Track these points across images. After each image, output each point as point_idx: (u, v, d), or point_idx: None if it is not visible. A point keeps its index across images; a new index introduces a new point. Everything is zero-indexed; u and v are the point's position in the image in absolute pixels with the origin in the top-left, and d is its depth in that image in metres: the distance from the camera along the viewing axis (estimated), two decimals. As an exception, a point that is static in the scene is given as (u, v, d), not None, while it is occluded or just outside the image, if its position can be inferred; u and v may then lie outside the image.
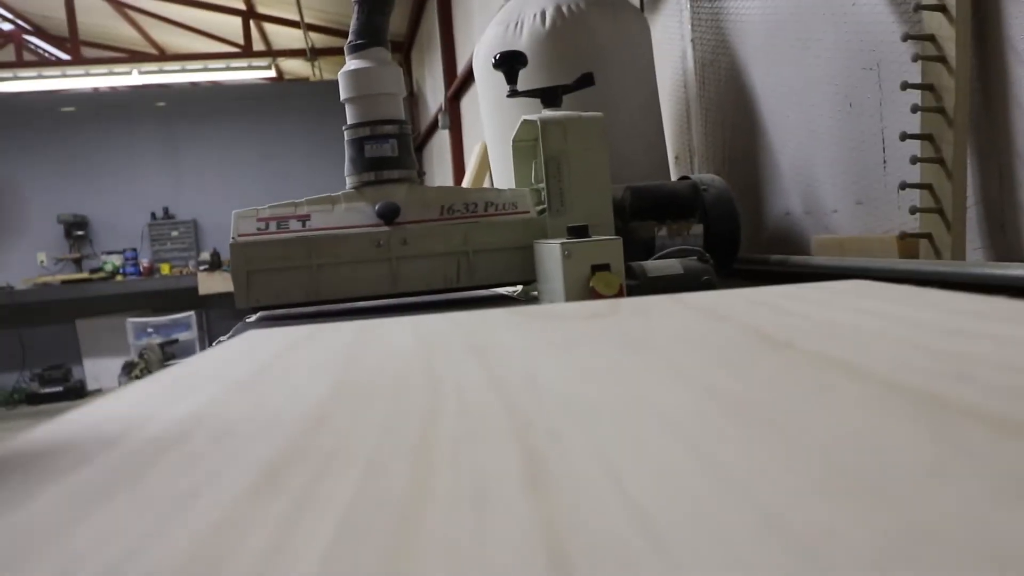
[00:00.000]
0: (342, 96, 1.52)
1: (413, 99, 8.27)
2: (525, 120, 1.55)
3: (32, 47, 9.17)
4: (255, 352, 0.30)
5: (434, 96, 6.75)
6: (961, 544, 0.08)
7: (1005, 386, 0.15)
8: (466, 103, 5.49)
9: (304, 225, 1.45)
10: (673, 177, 2.02)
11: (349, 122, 1.53)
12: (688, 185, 1.59)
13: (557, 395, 0.18)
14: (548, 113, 1.51)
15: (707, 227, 1.53)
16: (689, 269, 1.28)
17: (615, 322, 0.28)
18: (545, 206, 1.52)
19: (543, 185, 1.52)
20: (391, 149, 1.50)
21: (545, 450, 0.14)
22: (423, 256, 1.47)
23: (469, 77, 5.03)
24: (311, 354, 0.29)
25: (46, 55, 9.13)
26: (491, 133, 1.95)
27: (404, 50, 8.15)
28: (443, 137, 6.31)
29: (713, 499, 0.11)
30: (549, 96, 1.58)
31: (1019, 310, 0.23)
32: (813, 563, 0.08)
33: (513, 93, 1.60)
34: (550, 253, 1.29)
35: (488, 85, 1.92)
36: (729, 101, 1.94)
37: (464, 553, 0.10)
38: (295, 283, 1.42)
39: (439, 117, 6.06)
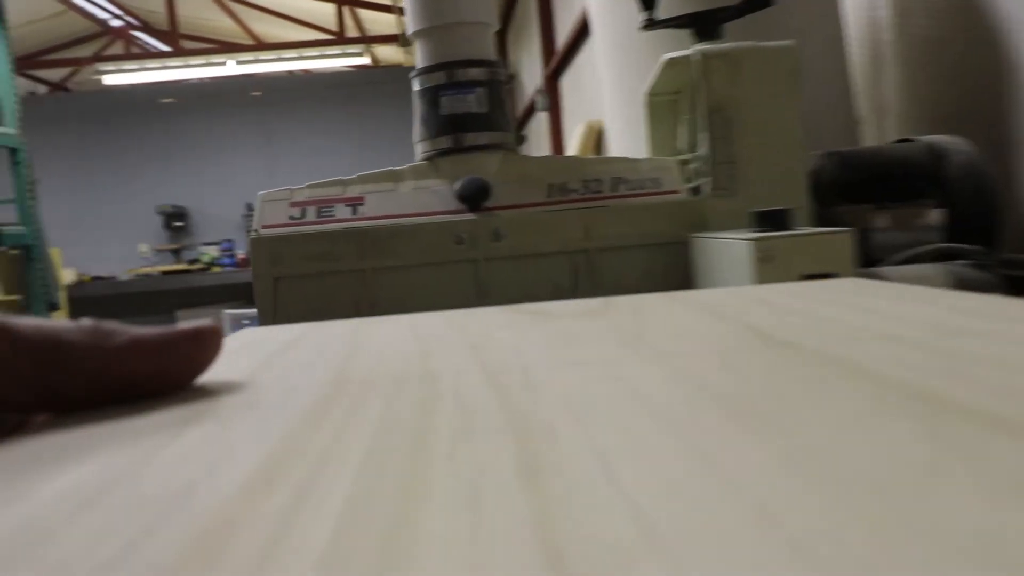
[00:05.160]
0: (408, 29, 1.07)
1: (510, 83, 7.88)
2: (669, 60, 1.06)
3: (140, 43, 9.37)
4: (249, 351, 0.29)
5: (531, 79, 6.31)
6: (958, 543, 0.08)
7: (1003, 385, 0.15)
8: (567, 81, 5.01)
9: (355, 212, 1.02)
10: (864, 144, 1.48)
11: (419, 65, 1.09)
12: (921, 149, 1.06)
13: (553, 392, 0.17)
14: (707, 46, 1.03)
15: (952, 212, 1.00)
16: (964, 280, 0.77)
17: (611, 320, 0.28)
18: (701, 182, 1.03)
19: (699, 152, 1.03)
20: (477, 102, 1.04)
21: (541, 447, 0.13)
22: (524, 256, 1.02)
23: (570, 51, 4.53)
24: (305, 353, 0.28)
25: (150, 49, 9.29)
26: (612, 91, 1.47)
27: (499, 34, 7.75)
28: (539, 122, 5.85)
29: (710, 496, 0.10)
30: (704, 24, 1.09)
31: (1017, 309, 0.23)
32: (809, 561, 0.08)
33: (650, 24, 1.12)
34: (727, 254, 0.81)
35: (608, 24, 1.45)
36: (952, 38, 1.38)
37: (459, 549, 0.09)
38: (341, 294, 0.99)
39: (536, 98, 5.59)
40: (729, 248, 0.79)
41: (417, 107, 1.08)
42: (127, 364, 0.20)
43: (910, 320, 0.23)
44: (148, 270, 7.74)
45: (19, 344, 0.18)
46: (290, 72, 8.85)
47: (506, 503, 0.11)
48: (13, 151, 3.78)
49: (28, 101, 7.02)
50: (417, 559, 0.09)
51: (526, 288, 1.00)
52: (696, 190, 1.04)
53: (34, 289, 4.01)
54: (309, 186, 1.03)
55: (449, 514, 0.10)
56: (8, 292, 5.40)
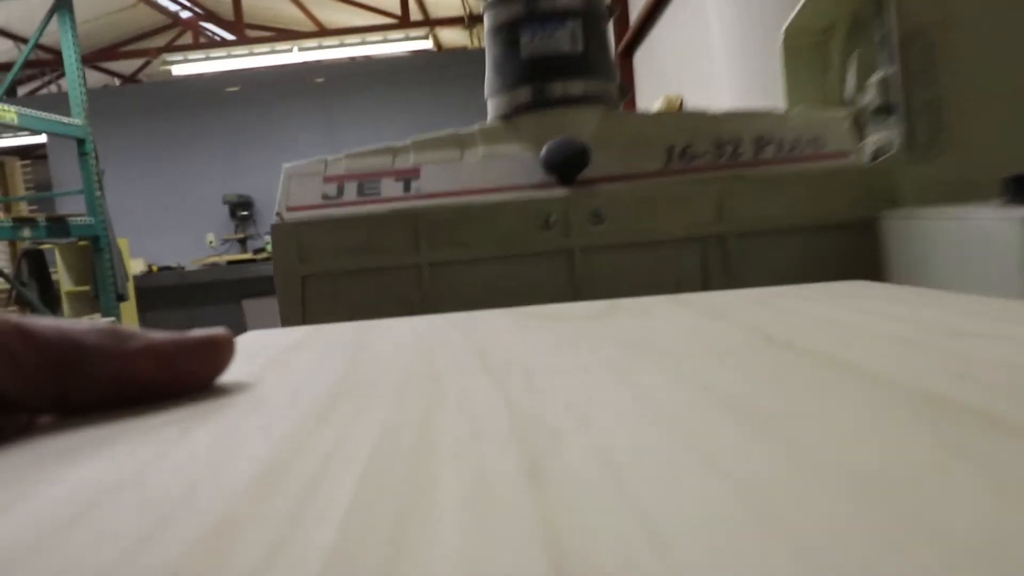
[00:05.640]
0: (480, -56, 0.81)
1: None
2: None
3: (208, 33, 9.44)
4: (251, 355, 0.29)
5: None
6: (964, 544, 0.08)
7: (1006, 386, 0.15)
8: (641, 56, 4.66)
9: (408, 188, 0.77)
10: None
11: (492, -5, 0.82)
12: None
13: (557, 394, 0.18)
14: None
15: None
16: None
17: (615, 322, 0.29)
18: (874, 140, 0.74)
19: (868, 100, 0.74)
20: (570, 39, 0.78)
21: (546, 449, 0.13)
22: (633, 245, 0.75)
23: (644, 25, 4.19)
24: (309, 355, 0.28)
25: (216, 39, 9.36)
26: (726, 37, 1.18)
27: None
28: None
29: (714, 499, 0.10)
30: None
31: (1020, 311, 0.23)
32: (814, 564, 0.08)
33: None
34: (972, 238, 0.53)
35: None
36: None
37: (464, 552, 0.09)
38: (388, 297, 0.75)
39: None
40: (979, 230, 0.51)
41: (490, 50, 0.82)
42: (142, 370, 0.20)
43: (912, 321, 0.23)
44: (215, 259, 7.78)
45: (36, 344, 0.19)
46: (351, 58, 8.78)
47: (511, 505, 0.11)
48: (80, 142, 3.76)
49: (96, 93, 7.10)
50: (422, 561, 0.09)
51: (637, 289, 0.73)
52: (875, 154, 0.75)
53: (103, 279, 3.99)
54: (348, 156, 0.79)
55: (454, 516, 0.10)
56: (77, 283, 5.44)
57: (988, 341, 0.19)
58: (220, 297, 7.40)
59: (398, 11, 8.06)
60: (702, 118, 0.78)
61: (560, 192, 0.75)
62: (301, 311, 0.73)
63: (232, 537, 0.10)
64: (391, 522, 0.10)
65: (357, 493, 0.12)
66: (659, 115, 0.79)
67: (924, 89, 0.68)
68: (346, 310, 0.74)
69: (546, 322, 0.30)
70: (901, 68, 0.69)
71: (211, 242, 7.89)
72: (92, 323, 0.20)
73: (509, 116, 0.80)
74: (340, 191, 0.76)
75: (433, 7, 8.44)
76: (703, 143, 0.76)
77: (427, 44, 8.07)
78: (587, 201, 0.74)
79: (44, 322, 0.19)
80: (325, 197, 0.76)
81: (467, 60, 7.51)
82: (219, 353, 0.22)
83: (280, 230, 0.74)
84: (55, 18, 3.60)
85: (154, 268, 6.96)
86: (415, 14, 8.33)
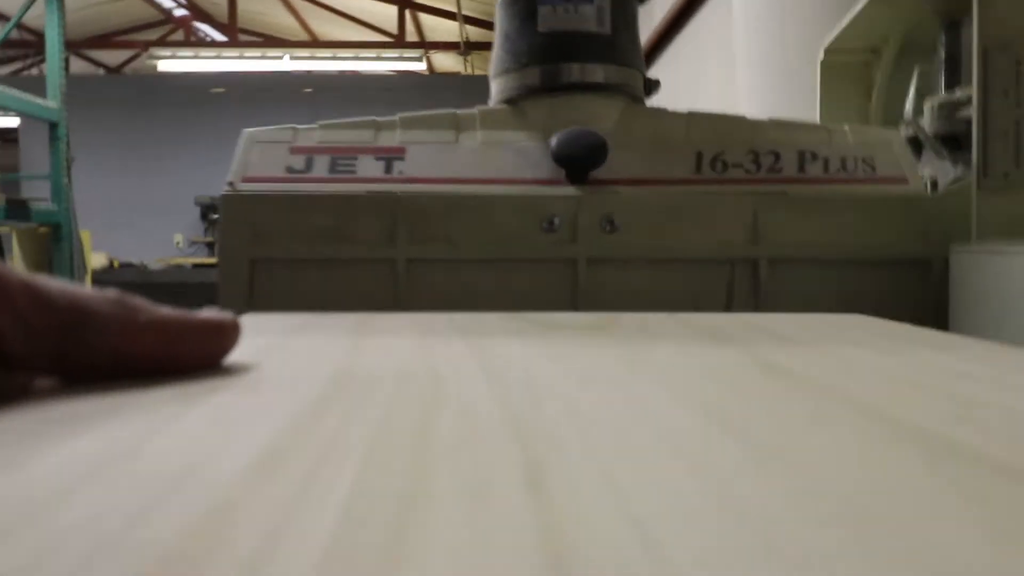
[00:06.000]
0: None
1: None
2: (888, -15, 0.69)
3: (201, 33, 9.34)
4: (252, 337, 0.27)
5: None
6: None
7: (1006, 430, 0.15)
8: (663, 64, 4.48)
9: (390, 169, 0.65)
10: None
11: (509, -44, 0.71)
12: None
13: (556, 403, 0.18)
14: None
15: None
16: None
17: (615, 335, 0.29)
18: (932, 172, 0.64)
19: (925, 119, 0.64)
20: (596, 17, 0.67)
21: (544, 458, 0.13)
22: (649, 261, 0.64)
23: (671, 28, 4.03)
24: (310, 340, 0.28)
25: (208, 40, 9.27)
26: (752, 52, 1.09)
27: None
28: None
29: (710, 511, 0.11)
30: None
31: (1018, 357, 0.24)
32: None
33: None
34: None
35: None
36: None
37: (461, 559, 0.09)
38: (355, 295, 0.62)
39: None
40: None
41: (501, 23, 0.71)
42: (147, 343, 0.20)
43: (912, 359, 0.23)
44: (180, 261, 7.57)
45: (42, 305, 0.18)
46: (341, 72, 8.73)
47: (509, 512, 0.10)
48: (53, 125, 3.61)
49: (77, 79, 6.91)
50: (418, 567, 0.09)
51: (648, 305, 0.61)
52: (931, 185, 0.65)
53: (60, 270, 3.81)
54: (323, 125, 0.67)
55: (452, 523, 0.10)
56: (33, 270, 5.22)
57: (987, 383, 0.19)
58: (182, 300, 7.16)
59: (394, 29, 8.06)
60: (740, 123, 0.67)
61: (569, 191, 0.64)
62: (246, 300, 0.60)
63: (228, 520, 0.10)
64: (386, 528, 0.10)
65: (351, 494, 0.11)
66: (691, 114, 0.68)
67: (1007, 110, 0.58)
68: (301, 305, 0.61)
69: (545, 330, 0.30)
70: (980, 86, 0.59)
71: (178, 243, 7.68)
72: (101, 291, 0.20)
73: (515, 100, 0.69)
74: (309, 165, 0.64)
75: (430, 31, 8.46)
76: (739, 151, 0.66)
77: (420, 66, 8.05)
78: (600, 204, 0.63)
79: (53, 283, 0.19)
80: (290, 170, 0.64)
81: (460, 85, 7.48)
82: (224, 337, 0.21)
83: (231, 202, 0.61)
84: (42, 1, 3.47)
85: (115, 263, 6.73)
86: (411, 35, 8.34)
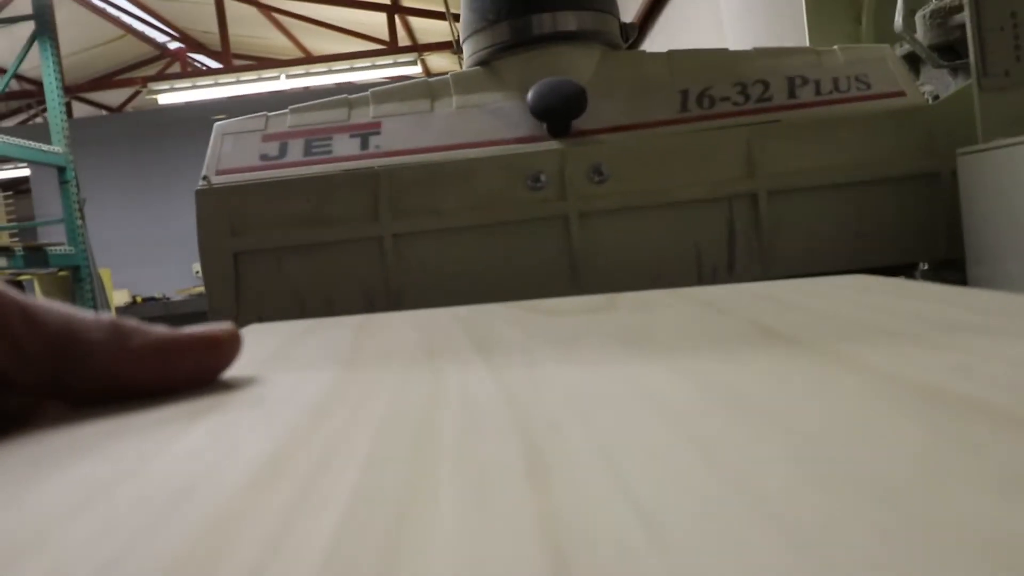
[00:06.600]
0: None
1: None
2: None
3: (196, 64, 9.42)
4: (252, 348, 0.28)
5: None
6: (961, 538, 0.08)
7: (1006, 380, 0.15)
8: (655, 34, 4.38)
9: (367, 146, 0.63)
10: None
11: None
12: None
13: (558, 388, 0.18)
14: None
15: None
16: None
17: (616, 316, 0.29)
18: (925, 85, 0.61)
19: (922, 37, 0.61)
20: None
21: (545, 443, 0.13)
22: (643, 208, 0.61)
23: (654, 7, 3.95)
24: (311, 350, 0.28)
25: (204, 68, 9.35)
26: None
27: None
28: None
29: (713, 492, 0.10)
30: None
31: (1020, 304, 0.23)
32: (814, 561, 0.08)
33: None
34: None
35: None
36: None
37: (463, 547, 0.09)
38: (343, 278, 0.60)
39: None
40: None
41: (463, -16, 0.69)
42: (143, 367, 0.20)
43: (912, 315, 0.23)
44: (200, 290, 7.64)
45: (38, 330, 0.18)
46: (338, 85, 8.76)
47: (511, 501, 0.11)
48: (61, 170, 3.65)
49: (80, 122, 6.99)
50: (421, 556, 0.09)
51: (649, 262, 0.59)
52: (936, 100, 0.62)
53: (84, 311, 3.84)
54: (294, 109, 0.65)
55: (453, 510, 0.10)
56: (58, 314, 5.30)
57: (986, 335, 0.19)
58: (207, 328, 7.25)
59: (386, 37, 8.06)
60: (723, 56, 0.64)
61: (551, 145, 0.61)
62: (233, 296, 0.58)
63: (231, 531, 0.10)
64: (389, 517, 0.10)
65: (356, 487, 0.12)
66: (671, 54, 0.65)
67: (1000, 4, 0.55)
68: (290, 295, 0.59)
69: (546, 316, 0.30)
70: (970, -21, 0.56)
71: (197, 272, 7.75)
72: (96, 317, 0.20)
73: (488, 60, 0.67)
74: (283, 151, 0.62)
75: (421, 33, 8.45)
76: (725, 85, 0.63)
77: (416, 69, 8.06)
78: (585, 155, 0.61)
79: (49, 308, 0.19)
80: (264, 158, 0.62)
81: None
82: (221, 350, 0.21)
83: (206, 196, 0.59)
84: (37, 47, 3.50)
85: (138, 299, 6.81)
86: (403, 40, 8.33)
